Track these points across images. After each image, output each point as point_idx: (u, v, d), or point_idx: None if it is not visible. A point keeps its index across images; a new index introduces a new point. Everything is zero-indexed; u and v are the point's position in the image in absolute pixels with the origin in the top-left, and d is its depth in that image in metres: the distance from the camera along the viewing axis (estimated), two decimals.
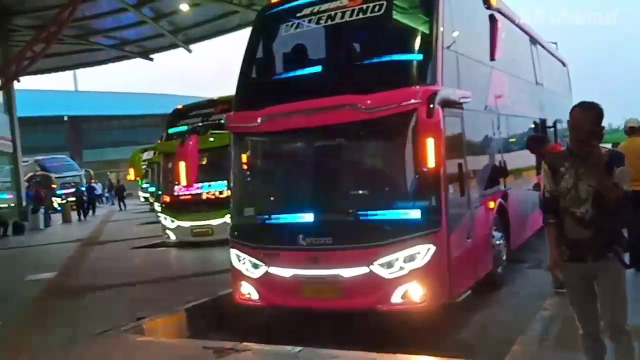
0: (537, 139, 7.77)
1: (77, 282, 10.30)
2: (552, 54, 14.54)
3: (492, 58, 8.31)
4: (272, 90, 7.26)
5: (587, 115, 3.62)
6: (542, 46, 12.83)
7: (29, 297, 9.11)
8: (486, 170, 8.04)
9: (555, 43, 15.59)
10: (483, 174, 7.88)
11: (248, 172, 7.45)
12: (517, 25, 10.55)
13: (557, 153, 4.06)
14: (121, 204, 33.38)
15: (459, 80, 6.88)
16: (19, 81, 25.73)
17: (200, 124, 13.62)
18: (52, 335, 6.71)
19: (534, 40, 11.90)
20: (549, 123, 11.76)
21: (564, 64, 16.12)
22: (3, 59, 23.76)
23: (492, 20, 8.32)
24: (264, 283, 6.65)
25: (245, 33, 7.97)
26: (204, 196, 13.49)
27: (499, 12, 8.65)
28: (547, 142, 7.78)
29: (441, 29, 6.43)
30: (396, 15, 6.92)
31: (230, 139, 7.45)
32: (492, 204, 7.81)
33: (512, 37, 9.90)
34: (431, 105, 5.60)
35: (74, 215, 27.12)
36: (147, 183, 28.04)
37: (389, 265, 5.93)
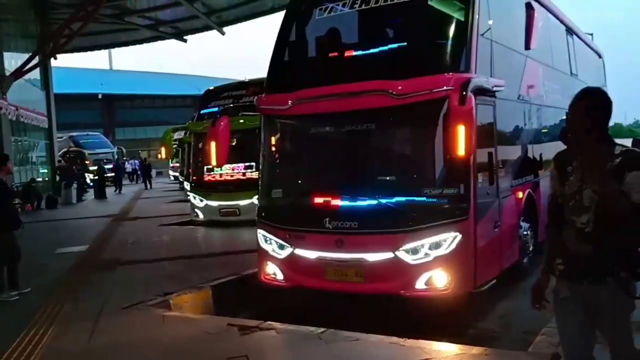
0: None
1: (107, 256, 10.53)
2: (588, 45, 14.24)
3: (527, 47, 8.17)
4: (303, 73, 7.28)
5: (576, 106, 3.07)
6: (578, 36, 12.57)
7: (60, 269, 9.36)
8: (516, 160, 7.97)
9: (591, 34, 15.28)
10: (513, 163, 7.81)
11: (277, 154, 7.51)
12: (554, 15, 10.36)
13: (568, 149, 3.25)
14: (147, 182, 32.52)
15: (492, 68, 6.81)
16: (55, 58, 26.17)
17: (231, 105, 13.73)
18: (82, 307, 6.91)
19: (570, 31, 11.67)
20: None
21: (599, 56, 15.79)
22: (41, 36, 24.19)
23: (529, 8, 8.18)
24: (289, 264, 6.73)
25: (279, 16, 7.99)
26: (233, 177, 13.64)
27: (536, 1, 8.50)
28: None
29: (477, 15, 6.36)
30: (431, 1, 6.86)
31: (260, 121, 7.52)
32: (521, 195, 7.74)
33: (548, 27, 9.73)
34: (464, 93, 5.57)
35: (109, 191, 27.55)
36: (177, 162, 28.41)
37: (414, 251, 5.94)
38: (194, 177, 14.87)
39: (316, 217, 6.45)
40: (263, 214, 7.14)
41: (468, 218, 5.93)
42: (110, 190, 28.00)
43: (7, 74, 20.12)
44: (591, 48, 14.70)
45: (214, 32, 26.73)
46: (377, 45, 7.09)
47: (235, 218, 13.28)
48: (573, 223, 3.09)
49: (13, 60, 21.75)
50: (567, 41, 11.44)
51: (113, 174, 30.55)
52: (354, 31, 7.28)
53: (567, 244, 3.13)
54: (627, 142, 16.59)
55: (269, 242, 6.93)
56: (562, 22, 11.03)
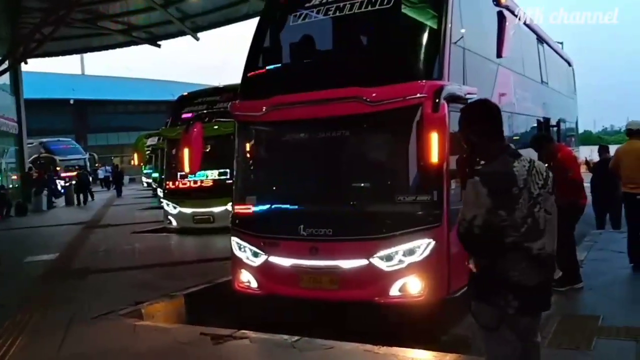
0: (542, 137, 7.77)
1: (77, 264, 10.36)
2: (558, 53, 14.52)
3: (499, 55, 8.27)
4: (278, 80, 7.26)
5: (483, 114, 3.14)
6: (549, 45, 12.80)
7: (29, 278, 9.17)
8: None
9: (562, 43, 15.58)
10: None
11: (251, 161, 7.47)
12: (525, 23, 10.52)
13: (503, 167, 2.96)
14: (118, 189, 30.93)
15: (465, 76, 6.87)
16: (26, 63, 25.77)
17: (205, 112, 13.65)
18: (51, 317, 6.77)
19: (540, 39, 11.88)
20: (553, 122, 11.75)
21: (569, 64, 16.11)
22: (11, 40, 23.78)
23: (500, 17, 8.27)
24: (264, 272, 6.68)
25: (254, 22, 7.96)
26: (206, 183, 13.54)
27: (507, 9, 8.61)
28: (553, 142, 7.78)
29: (449, 24, 6.41)
30: (404, 9, 6.90)
31: (234, 127, 7.47)
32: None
33: (519, 35, 9.87)
34: (437, 100, 5.61)
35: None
36: (150, 168, 28.13)
37: (389, 258, 5.95)
38: (167, 184, 14.72)
39: (291, 224, 6.42)
40: (237, 221, 7.08)
41: (441, 224, 5.96)
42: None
43: None
44: (561, 56, 14.99)
45: (188, 38, 26.58)
46: (351, 52, 7.14)
47: (209, 225, 13.17)
48: (527, 250, 2.87)
49: None
50: (537, 49, 11.64)
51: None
52: (329, 38, 7.30)
53: (516, 276, 2.87)
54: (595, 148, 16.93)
55: (243, 249, 6.87)
56: (533, 30, 11.21)
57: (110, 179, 38.69)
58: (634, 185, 7.87)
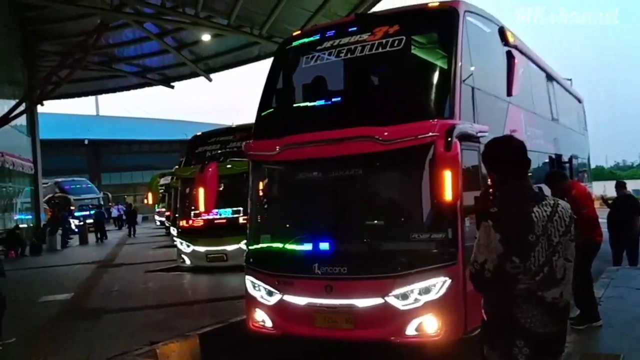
0: (556, 174, 7.79)
1: (92, 304, 10.39)
2: (568, 90, 14.61)
3: (509, 93, 8.36)
4: (291, 120, 7.38)
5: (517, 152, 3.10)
6: (558, 82, 12.91)
7: (44, 317, 9.19)
8: None
9: (570, 79, 15.71)
10: None
11: (265, 200, 7.54)
12: (534, 62, 10.66)
13: (519, 212, 2.87)
14: (131, 229, 30.24)
15: (475, 114, 6.95)
16: (42, 105, 26.29)
17: (219, 151, 13.81)
18: (67, 357, 6.78)
19: (550, 77, 11.99)
20: (565, 159, 11.76)
21: (579, 101, 16.19)
22: (29, 82, 24.34)
23: (509, 56, 8.38)
24: (278, 311, 6.66)
25: (265, 63, 8.17)
26: (220, 222, 13.60)
27: (516, 48, 8.74)
28: (567, 179, 7.79)
29: (459, 63, 6.52)
30: (415, 50, 7.05)
31: (247, 167, 7.57)
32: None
33: (529, 73, 9.99)
34: (449, 139, 5.66)
35: (91, 237, 27.24)
36: (163, 207, 28.28)
37: (404, 296, 5.93)
38: (181, 222, 14.80)
39: (305, 263, 6.44)
40: (251, 260, 7.11)
41: (457, 262, 5.95)
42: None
43: None
44: (571, 93, 15.08)
45: (201, 78, 27.05)
46: (363, 93, 7.25)
47: (223, 263, 13.19)
48: (540, 299, 2.79)
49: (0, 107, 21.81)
50: (547, 87, 11.74)
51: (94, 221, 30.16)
52: (341, 79, 7.44)
53: (530, 323, 2.79)
54: (610, 184, 16.86)
55: (257, 288, 6.88)
56: (542, 68, 11.34)
57: (124, 217, 38.62)
58: None
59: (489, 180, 3.23)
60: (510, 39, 8.42)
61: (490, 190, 3.15)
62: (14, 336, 7.67)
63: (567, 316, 2.97)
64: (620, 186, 12.39)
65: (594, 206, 8.01)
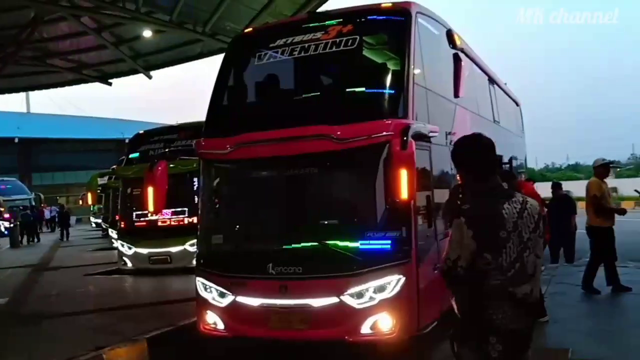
0: (507, 173, 8.00)
1: (30, 309, 9.92)
2: (507, 94, 15.09)
3: (456, 95, 8.54)
4: (243, 118, 7.27)
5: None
6: (499, 85, 13.31)
7: None
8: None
9: (505, 83, 16.24)
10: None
11: (216, 199, 7.39)
12: (478, 65, 10.94)
13: (490, 209, 2.91)
14: (64, 232, 28.93)
15: (428, 114, 7.06)
16: None
17: (165, 150, 13.46)
18: None
19: (491, 80, 12.34)
20: (505, 160, 12.14)
21: (517, 104, 16.76)
22: None
23: (456, 58, 8.57)
24: (231, 312, 6.54)
25: (207, 61, 8.00)
26: (164, 222, 13.28)
27: (462, 51, 8.94)
28: (516, 178, 8.02)
29: (412, 64, 6.61)
30: (368, 49, 7.09)
31: (196, 166, 7.41)
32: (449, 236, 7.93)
33: (473, 76, 10.24)
34: (405, 138, 5.72)
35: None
36: (99, 208, 27.40)
37: (360, 295, 5.94)
38: (122, 224, 14.35)
39: (259, 263, 6.35)
40: (202, 261, 6.96)
41: (411, 260, 6.02)
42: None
43: None
44: (510, 97, 15.58)
45: (140, 76, 26.30)
46: (317, 91, 7.24)
47: (166, 266, 12.87)
48: (511, 295, 2.81)
49: None
50: (489, 90, 12.07)
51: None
52: (294, 77, 7.41)
53: (502, 319, 2.81)
54: (542, 185, 17.51)
55: (208, 290, 6.73)
56: (484, 71, 11.65)
57: (57, 219, 37.10)
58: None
59: (459, 177, 3.26)
60: (457, 42, 8.61)
61: (460, 188, 3.17)
62: None
63: (535, 312, 3.01)
64: (557, 187, 12.91)
65: (543, 206, 8.29)
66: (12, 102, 59.31)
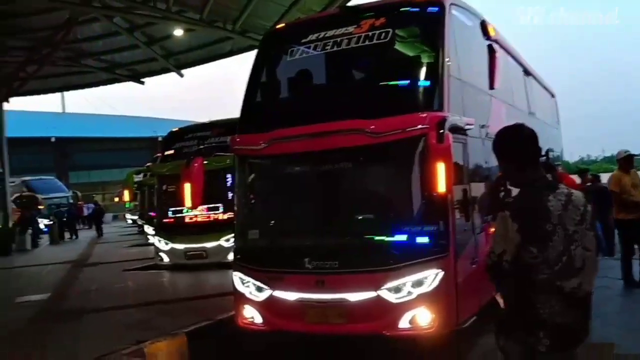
0: (548, 165, 7.90)
1: (71, 304, 10.14)
2: (543, 85, 14.82)
3: (491, 87, 8.43)
4: (276, 113, 7.29)
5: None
6: (534, 77, 13.07)
7: (21, 319, 8.93)
8: (486, 196, 8.10)
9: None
10: (484, 199, 7.94)
11: (252, 195, 7.44)
12: (512, 56, 10.76)
13: (535, 202, 2.86)
14: (99, 230, 29.22)
15: (463, 107, 6.98)
16: (8, 102, 25.56)
17: (201, 147, 13.61)
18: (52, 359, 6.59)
19: (526, 71, 12.13)
20: (542, 152, 11.92)
21: (552, 95, 16.44)
22: None
23: (491, 49, 8.46)
24: (268, 307, 6.59)
25: (238, 59, 8.05)
26: (199, 218, 13.43)
27: (497, 42, 8.81)
28: (557, 170, 7.92)
29: (447, 56, 6.53)
30: (402, 42, 7.03)
31: (232, 162, 7.47)
32: (493, 230, 7.84)
33: (508, 67, 10.08)
34: (441, 131, 5.68)
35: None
36: (135, 205, 27.84)
37: (397, 290, 5.92)
38: (159, 220, 14.56)
39: (296, 258, 6.38)
40: (239, 256, 7.02)
41: (449, 254, 5.98)
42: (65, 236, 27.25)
43: None
44: (545, 88, 15.30)
45: (172, 74, 26.59)
46: (351, 85, 7.22)
47: (202, 261, 13.03)
48: (559, 289, 2.76)
49: None
50: (524, 81, 11.87)
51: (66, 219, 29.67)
52: (327, 71, 7.39)
53: (549, 314, 2.77)
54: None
55: (246, 284, 6.79)
56: (519, 62, 11.46)
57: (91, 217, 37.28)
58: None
59: (501, 170, 3.21)
60: (492, 33, 8.48)
61: (502, 180, 3.13)
62: None
63: (587, 306, 2.91)
64: (596, 178, 12.66)
65: None
66: (48, 103, 60.55)
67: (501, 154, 3.10)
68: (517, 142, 3.07)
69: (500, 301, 3.00)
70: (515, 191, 3.09)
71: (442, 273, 5.89)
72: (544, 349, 2.79)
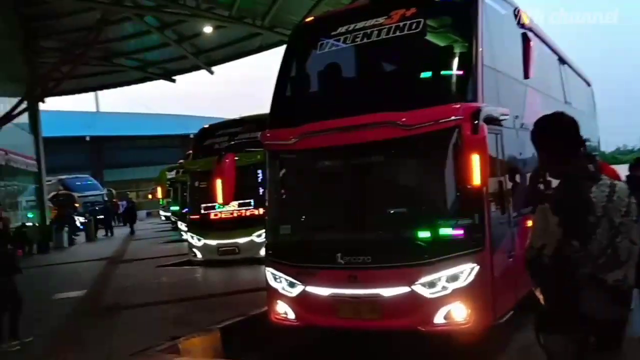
0: (589, 155, 7.64)
1: (107, 300, 10.27)
2: (578, 73, 14.44)
3: (526, 76, 8.21)
4: (307, 108, 7.23)
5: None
6: (569, 65, 12.73)
7: (60, 315, 9.10)
8: (523, 189, 7.91)
9: None
10: (520, 192, 7.74)
11: (283, 190, 7.41)
12: (547, 44, 10.49)
13: (577, 193, 2.74)
14: (132, 227, 29.32)
15: (497, 97, 6.81)
16: (44, 102, 26.09)
17: (230, 143, 13.65)
18: (89, 355, 6.68)
19: (561, 59, 11.82)
20: (583, 141, 11.61)
21: (588, 84, 16.01)
22: (30, 80, 24.13)
23: (525, 38, 8.25)
24: (301, 302, 6.56)
25: (267, 55, 8.00)
26: (231, 214, 13.49)
27: (531, 30, 8.59)
28: (596, 160, 7.66)
29: (480, 45, 6.38)
30: (433, 32, 6.90)
31: (261, 157, 7.43)
32: (529, 222, 7.66)
33: (543, 56, 9.83)
34: (476, 122, 5.54)
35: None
36: (168, 202, 28.17)
37: (432, 284, 5.82)
38: (191, 216, 14.68)
39: (328, 253, 6.32)
40: (271, 252, 7.00)
41: (484, 248, 5.84)
42: (100, 233, 27.75)
43: None
44: (581, 76, 14.90)
45: (202, 71, 26.80)
46: (382, 77, 7.11)
47: (234, 256, 13.09)
48: (602, 282, 2.63)
49: (2, 105, 21.58)
50: (559, 69, 11.57)
51: (103, 217, 30.25)
52: (358, 64, 7.29)
53: (592, 309, 2.65)
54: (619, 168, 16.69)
55: (278, 280, 6.77)
56: (554, 51, 11.17)
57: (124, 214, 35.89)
58: None
59: (540, 161, 3.09)
60: (526, 20, 8.26)
61: (542, 172, 3.00)
62: (31, 335, 7.56)
63: (629, 301, 2.80)
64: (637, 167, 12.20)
65: None
66: (82, 102, 61.65)
67: (540, 144, 2.98)
68: (557, 131, 2.95)
69: (540, 297, 2.87)
70: (555, 183, 2.97)
71: (478, 267, 5.76)
72: (588, 346, 2.70)
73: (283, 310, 6.76)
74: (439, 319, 5.85)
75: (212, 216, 13.82)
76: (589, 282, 2.65)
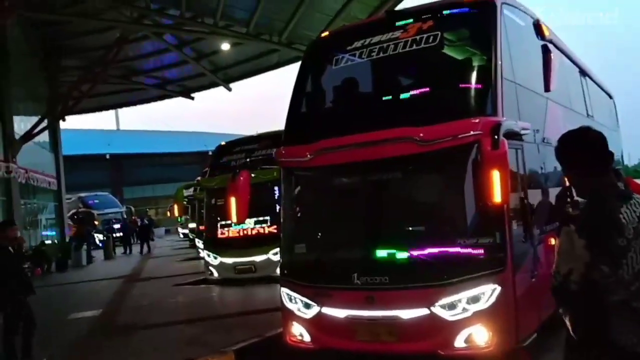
0: (615, 171, 7.37)
1: (122, 320, 10.20)
2: (600, 86, 14.16)
3: (547, 89, 8.00)
4: (323, 123, 7.09)
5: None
6: (591, 77, 12.48)
7: (73, 336, 9.01)
8: (546, 205, 7.67)
9: None
10: (543, 209, 7.51)
11: (299, 208, 7.25)
12: (568, 56, 10.27)
13: (605, 213, 2.53)
14: (143, 245, 28.31)
15: (517, 111, 6.61)
16: (64, 120, 26.39)
17: (247, 160, 13.57)
18: None
19: (583, 72, 11.58)
20: (613, 157, 11.33)
21: (610, 97, 15.70)
22: (50, 98, 24.43)
23: (546, 50, 8.04)
24: (317, 324, 6.37)
25: (284, 71, 7.92)
26: (247, 232, 13.36)
27: (552, 42, 8.39)
28: (621, 175, 7.39)
29: (499, 59, 6.20)
30: (451, 46, 6.74)
31: (277, 174, 7.30)
32: (553, 241, 7.41)
33: (564, 68, 9.61)
34: (496, 137, 5.34)
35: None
36: (186, 219, 28.22)
37: (452, 306, 5.60)
38: (207, 234, 14.59)
39: (344, 273, 6.13)
40: (286, 271, 6.84)
41: (506, 268, 5.61)
42: (119, 251, 27.82)
43: (17, 137, 20.09)
44: (602, 89, 14.61)
45: (220, 88, 26.94)
46: (398, 92, 6.94)
47: (251, 275, 12.93)
48: (636, 311, 2.38)
49: (22, 124, 21.82)
50: (581, 82, 11.32)
51: (121, 234, 30.38)
52: (374, 79, 7.16)
53: (624, 340, 2.40)
54: None
55: (293, 301, 6.59)
56: (575, 63, 10.94)
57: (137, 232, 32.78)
58: None
59: (566, 179, 2.89)
60: (546, 33, 8.07)
61: (568, 191, 2.79)
62: (44, 356, 7.47)
63: None
64: None
65: None
66: (103, 121, 62.41)
67: (565, 161, 2.76)
68: (582, 147, 2.72)
69: (569, 325, 2.65)
70: (582, 202, 2.76)
71: (500, 288, 5.53)
72: None
73: (298, 332, 6.58)
74: (459, 342, 5.62)
75: (228, 234, 13.71)
76: (622, 310, 2.41)
